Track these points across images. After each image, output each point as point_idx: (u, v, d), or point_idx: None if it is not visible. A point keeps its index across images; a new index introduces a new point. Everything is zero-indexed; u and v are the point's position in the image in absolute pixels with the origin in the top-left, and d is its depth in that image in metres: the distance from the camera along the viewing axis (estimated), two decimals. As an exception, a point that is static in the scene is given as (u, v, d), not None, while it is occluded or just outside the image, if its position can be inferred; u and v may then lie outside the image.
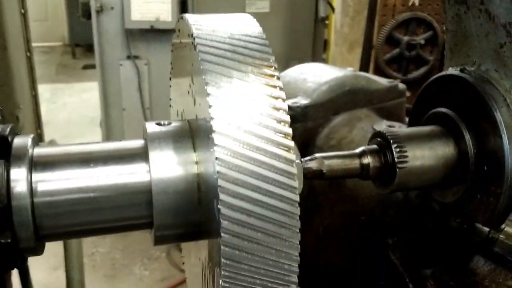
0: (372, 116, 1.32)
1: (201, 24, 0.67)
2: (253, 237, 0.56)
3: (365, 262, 1.27)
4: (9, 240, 0.63)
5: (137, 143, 0.74)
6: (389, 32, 4.33)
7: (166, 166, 0.69)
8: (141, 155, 0.71)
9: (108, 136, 4.89)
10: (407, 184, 0.83)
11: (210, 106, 0.58)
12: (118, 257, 4.81)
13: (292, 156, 0.58)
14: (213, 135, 0.57)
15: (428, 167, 0.83)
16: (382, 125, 1.22)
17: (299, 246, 0.58)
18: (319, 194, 1.29)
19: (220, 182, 0.56)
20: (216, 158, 0.56)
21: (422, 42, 4.38)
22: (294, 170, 0.57)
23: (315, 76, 1.34)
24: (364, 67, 4.40)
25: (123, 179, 0.69)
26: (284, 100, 0.59)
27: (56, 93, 9.58)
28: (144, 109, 4.84)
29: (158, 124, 0.74)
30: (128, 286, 4.48)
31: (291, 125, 0.58)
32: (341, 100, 1.29)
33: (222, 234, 0.56)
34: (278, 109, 0.59)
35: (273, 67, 0.62)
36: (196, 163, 0.69)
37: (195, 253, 0.79)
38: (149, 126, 0.74)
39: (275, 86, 0.60)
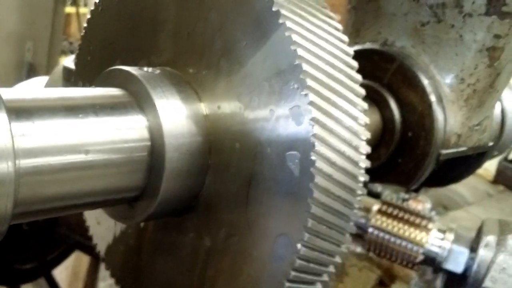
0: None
1: None
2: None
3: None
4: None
5: (116, 91, 0.56)
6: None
7: (178, 120, 0.54)
8: (132, 104, 0.55)
9: None
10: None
11: (298, 57, 0.48)
12: None
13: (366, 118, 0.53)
14: (308, 92, 0.48)
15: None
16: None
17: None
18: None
19: (318, 146, 0.47)
20: (312, 119, 0.47)
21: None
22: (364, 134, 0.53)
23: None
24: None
25: (122, 135, 0.52)
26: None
27: None
28: None
29: (141, 69, 0.58)
30: None
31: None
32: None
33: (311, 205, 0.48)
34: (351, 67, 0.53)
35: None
36: (205, 117, 0.57)
37: (167, 233, 0.64)
38: (132, 70, 0.57)
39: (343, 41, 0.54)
